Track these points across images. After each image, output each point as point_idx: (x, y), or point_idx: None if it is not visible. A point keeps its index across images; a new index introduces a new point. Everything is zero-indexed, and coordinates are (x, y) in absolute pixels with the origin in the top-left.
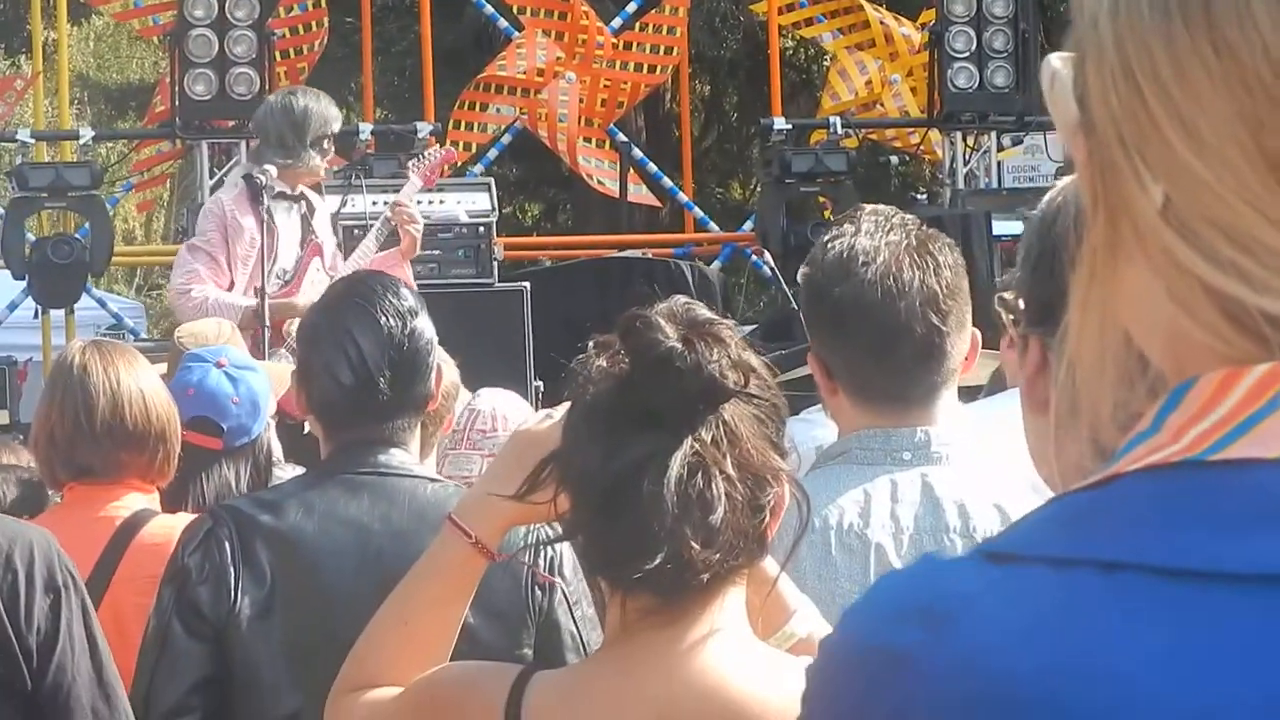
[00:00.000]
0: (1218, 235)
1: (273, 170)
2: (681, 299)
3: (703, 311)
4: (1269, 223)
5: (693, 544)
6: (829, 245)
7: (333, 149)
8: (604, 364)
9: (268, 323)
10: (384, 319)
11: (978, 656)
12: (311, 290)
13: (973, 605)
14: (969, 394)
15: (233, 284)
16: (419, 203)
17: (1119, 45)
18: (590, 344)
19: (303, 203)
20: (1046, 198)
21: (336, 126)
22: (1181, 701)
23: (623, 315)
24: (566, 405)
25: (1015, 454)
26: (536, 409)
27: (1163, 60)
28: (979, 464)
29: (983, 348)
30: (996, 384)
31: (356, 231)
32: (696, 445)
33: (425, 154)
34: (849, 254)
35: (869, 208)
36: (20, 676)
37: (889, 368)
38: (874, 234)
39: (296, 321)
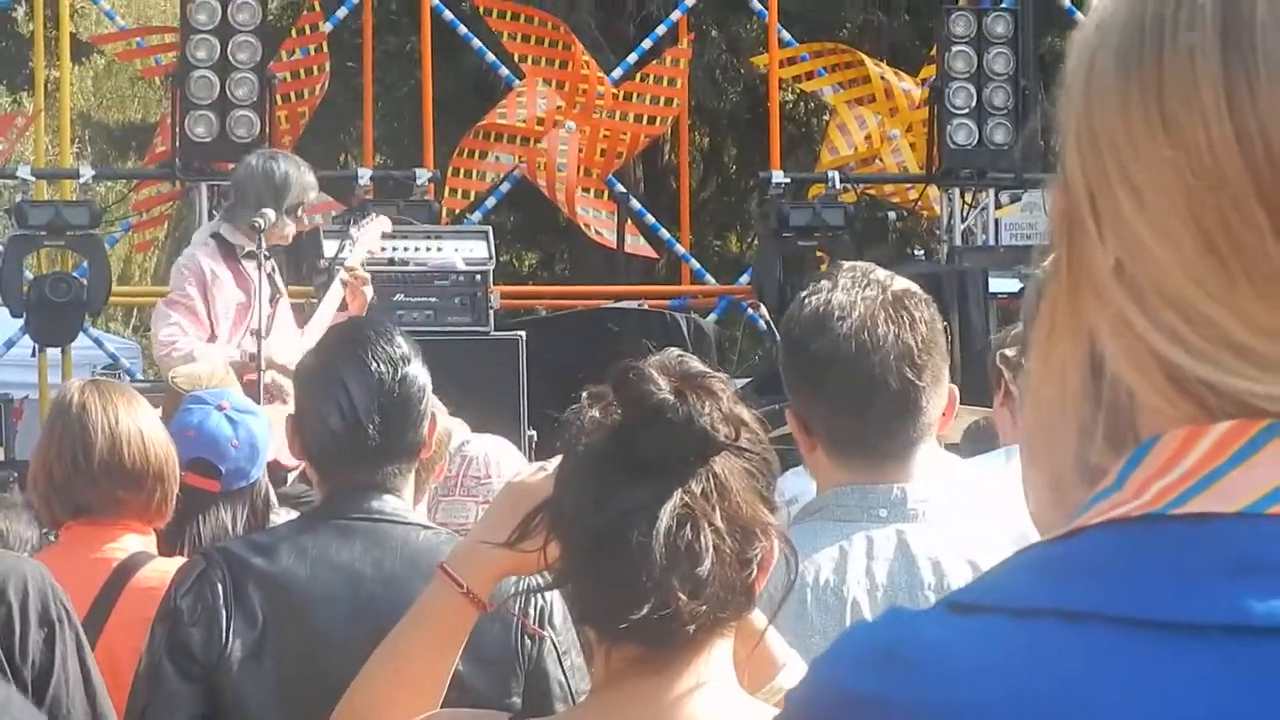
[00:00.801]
0: (1161, 302)
1: (270, 214)
2: (675, 351)
3: (695, 364)
4: (1206, 294)
5: (680, 595)
6: (806, 301)
7: (304, 217)
8: (597, 414)
9: (264, 367)
10: (375, 365)
11: (941, 703)
12: (282, 345)
13: (937, 652)
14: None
15: (214, 337)
16: (416, 249)
17: (1087, 105)
18: (584, 394)
19: (269, 261)
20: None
21: (313, 195)
22: None
23: (616, 366)
24: (560, 457)
25: (1007, 510)
26: (530, 458)
27: (1119, 126)
28: (955, 520)
29: (967, 403)
30: (973, 440)
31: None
32: (686, 497)
33: (363, 222)
34: (825, 309)
35: (847, 264)
36: None
37: (864, 422)
38: (850, 289)
39: (272, 374)
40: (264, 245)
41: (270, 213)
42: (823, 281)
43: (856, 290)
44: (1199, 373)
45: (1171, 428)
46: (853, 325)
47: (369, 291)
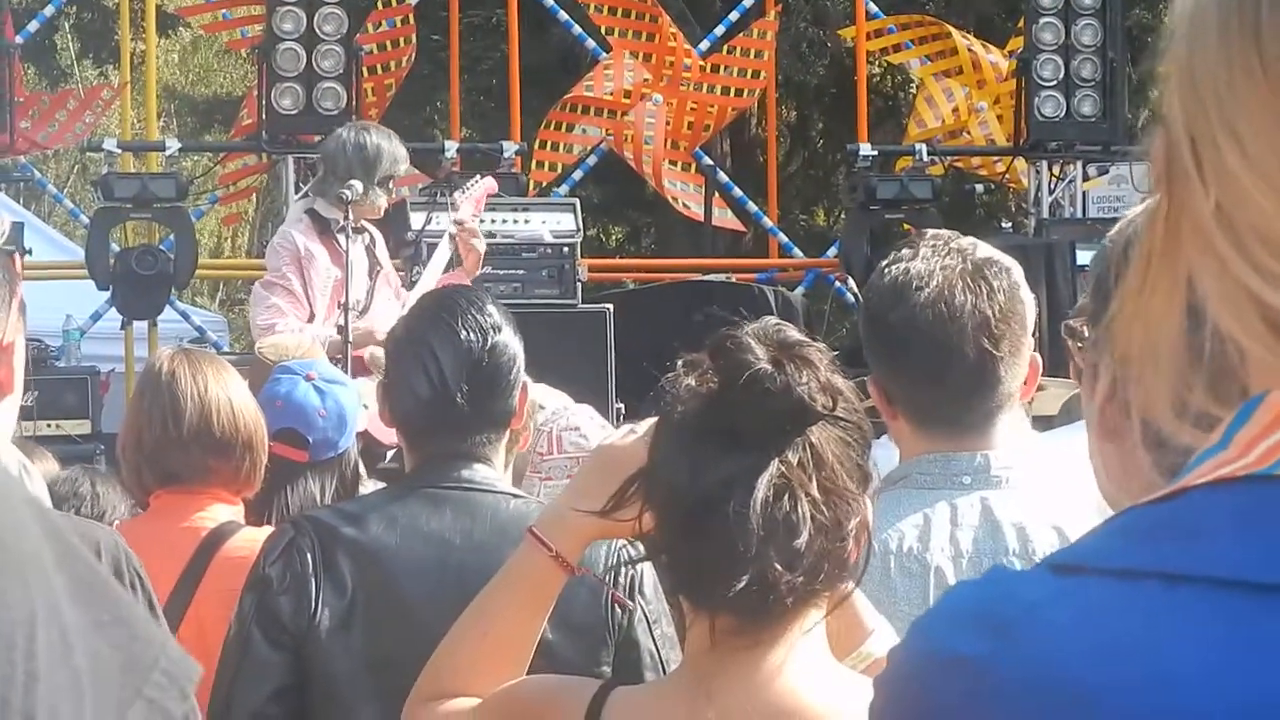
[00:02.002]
0: (1260, 246)
1: (358, 186)
2: (772, 320)
3: (793, 333)
4: None
5: (776, 566)
6: (885, 270)
7: (394, 189)
8: (692, 383)
9: (364, 342)
10: (464, 333)
11: (1042, 665)
12: (383, 318)
13: (1037, 615)
14: (1041, 424)
15: (312, 315)
16: (504, 222)
17: (1189, 51)
18: (679, 362)
19: (365, 234)
20: (1118, 226)
21: (404, 167)
22: (1240, 712)
23: (713, 335)
24: (650, 421)
25: (1082, 482)
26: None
27: (1220, 71)
28: (1039, 487)
29: (1053, 375)
30: (1070, 414)
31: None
32: (783, 467)
33: (468, 184)
34: (903, 279)
35: (930, 232)
36: None
37: (943, 392)
38: (929, 259)
39: (370, 349)
40: (351, 217)
41: (358, 184)
42: (904, 250)
43: (936, 259)
44: None
45: (1272, 377)
46: (930, 295)
47: (481, 245)
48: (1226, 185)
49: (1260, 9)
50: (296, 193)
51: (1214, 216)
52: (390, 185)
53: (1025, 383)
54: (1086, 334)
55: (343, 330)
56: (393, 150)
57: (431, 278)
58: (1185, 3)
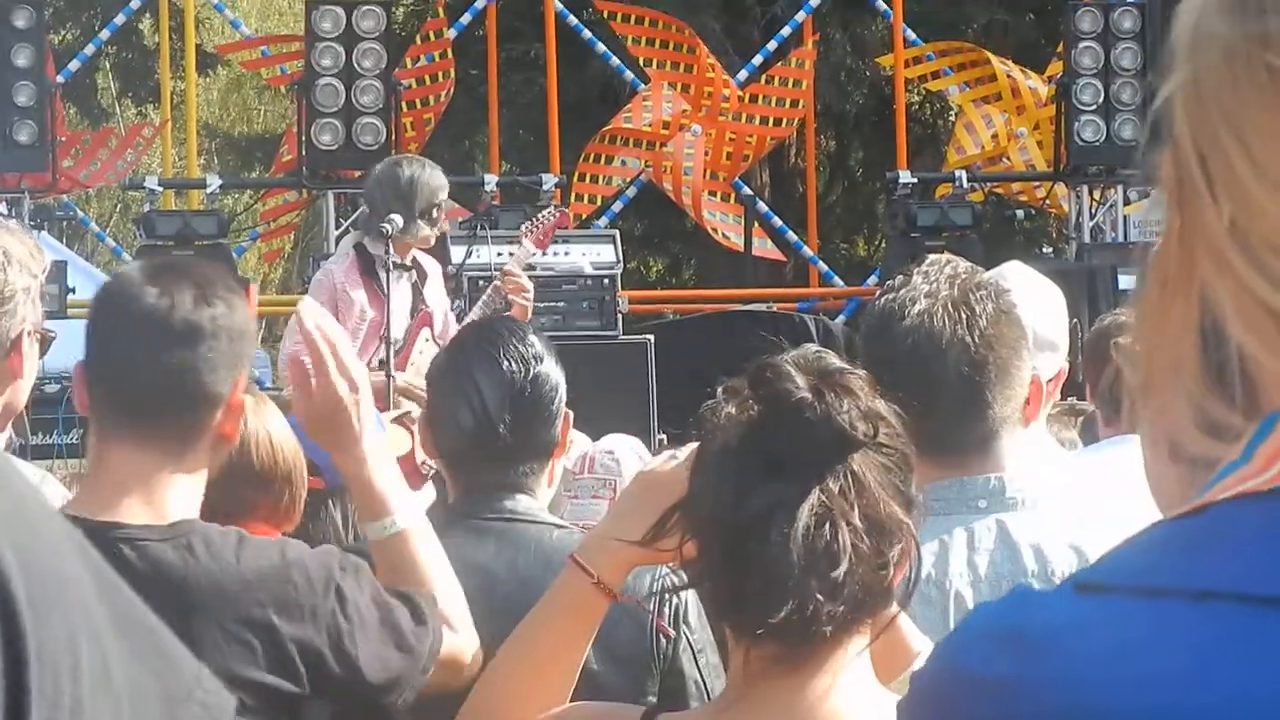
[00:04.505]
0: (1273, 256)
1: (398, 220)
2: (812, 348)
3: (833, 361)
4: None
5: (818, 596)
6: (877, 300)
7: (442, 217)
8: (733, 410)
9: (401, 387)
10: (507, 364)
11: (1068, 686)
12: (420, 360)
13: (1063, 635)
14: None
15: None
16: (544, 254)
17: (1194, 68)
18: (719, 390)
19: (413, 271)
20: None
21: (444, 195)
22: None
23: (753, 363)
24: (690, 447)
25: (1109, 494)
26: None
27: (1226, 82)
28: (1056, 506)
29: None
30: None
31: (481, 283)
32: (824, 496)
33: (538, 216)
34: (888, 308)
35: (930, 258)
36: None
37: (931, 418)
38: (918, 286)
39: (401, 378)
40: (392, 251)
41: (397, 218)
42: (898, 278)
43: (924, 286)
44: None
45: None
46: (910, 323)
47: (526, 300)
48: (1239, 199)
49: (1267, 19)
50: (337, 228)
51: (1228, 233)
52: (434, 215)
53: (1029, 402)
54: None
55: (384, 364)
56: (429, 179)
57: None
58: (1187, 20)
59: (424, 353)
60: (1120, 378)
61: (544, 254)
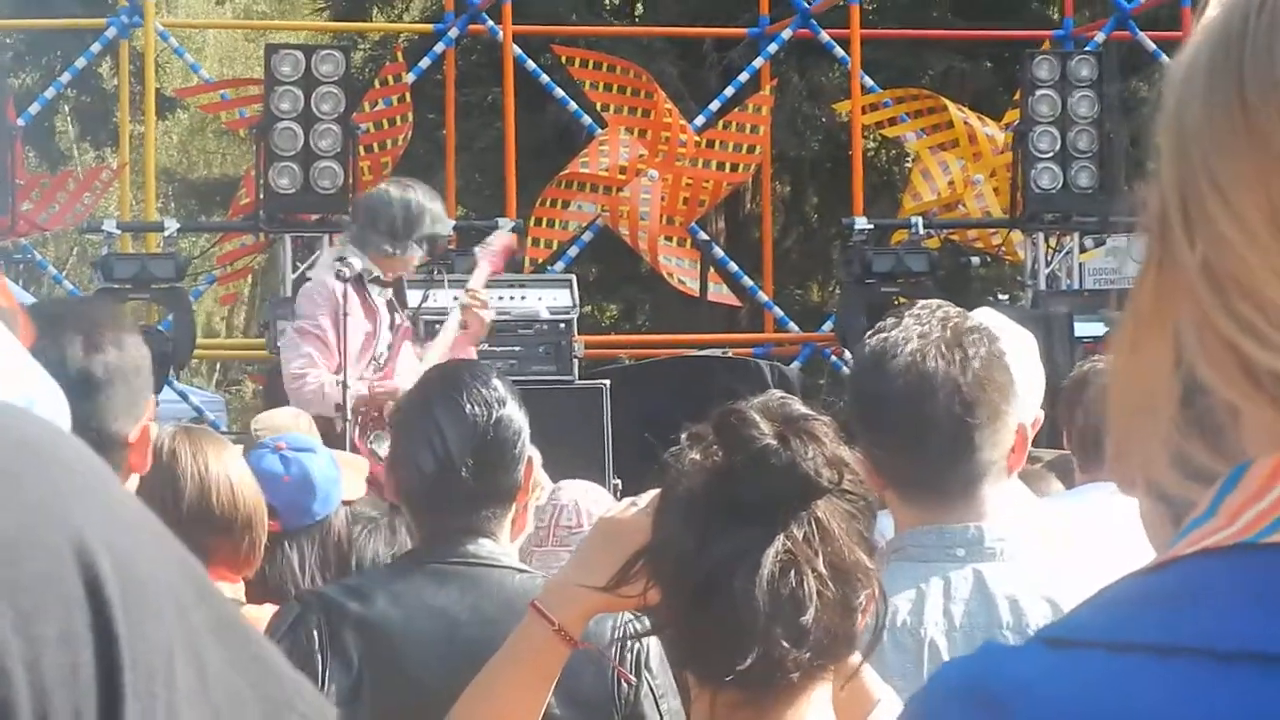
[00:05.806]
0: (1238, 294)
1: (355, 264)
2: (777, 394)
3: (798, 407)
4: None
5: (783, 643)
6: (868, 340)
7: (439, 249)
8: (697, 456)
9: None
10: (470, 407)
11: None
12: (406, 372)
13: (1031, 689)
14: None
15: (340, 367)
16: (500, 298)
17: (1179, 100)
18: (684, 435)
19: (388, 289)
20: None
21: (442, 229)
22: None
23: (717, 409)
24: (651, 494)
25: (1088, 544)
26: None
27: (1204, 124)
28: (1033, 558)
29: (1052, 445)
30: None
31: (437, 326)
32: (789, 543)
33: (486, 240)
34: (880, 348)
35: (921, 302)
36: None
37: (920, 459)
38: (910, 328)
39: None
40: (380, 272)
41: (355, 262)
42: (889, 320)
43: (916, 328)
44: (1267, 362)
45: (1274, 446)
46: (903, 363)
47: (489, 315)
48: (1209, 236)
49: (1244, 56)
50: (293, 271)
51: (1200, 271)
52: (426, 245)
53: (1014, 451)
54: None
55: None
56: (436, 210)
57: (442, 346)
58: (1183, 55)
59: (409, 366)
60: (1090, 424)
61: (511, 287)
